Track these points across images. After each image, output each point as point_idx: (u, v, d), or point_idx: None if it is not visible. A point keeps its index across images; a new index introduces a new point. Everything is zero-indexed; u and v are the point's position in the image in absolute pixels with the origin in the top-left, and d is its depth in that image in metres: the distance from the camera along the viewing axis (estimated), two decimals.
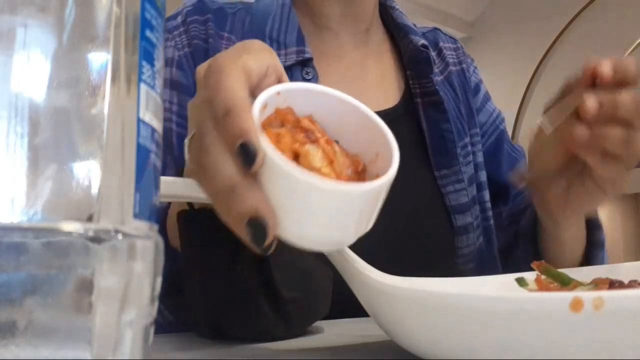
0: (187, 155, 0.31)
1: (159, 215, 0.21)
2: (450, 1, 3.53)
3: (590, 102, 0.46)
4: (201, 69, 0.31)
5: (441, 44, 0.78)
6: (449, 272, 0.64)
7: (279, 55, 0.64)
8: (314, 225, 0.28)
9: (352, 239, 0.31)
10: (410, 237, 0.63)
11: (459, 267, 0.65)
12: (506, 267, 0.71)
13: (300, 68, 0.64)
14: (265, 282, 0.38)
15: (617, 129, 0.47)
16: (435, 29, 0.81)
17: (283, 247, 0.40)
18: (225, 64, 0.28)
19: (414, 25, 0.76)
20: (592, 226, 0.61)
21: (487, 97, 0.79)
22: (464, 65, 0.77)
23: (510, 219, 0.73)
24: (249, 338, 0.40)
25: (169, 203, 0.46)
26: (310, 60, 0.64)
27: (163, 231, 0.46)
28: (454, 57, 0.78)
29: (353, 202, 0.29)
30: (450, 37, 0.81)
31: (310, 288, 0.42)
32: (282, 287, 0.39)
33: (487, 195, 0.71)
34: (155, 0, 0.21)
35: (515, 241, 0.69)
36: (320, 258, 0.36)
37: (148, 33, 0.20)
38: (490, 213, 0.71)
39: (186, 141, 0.31)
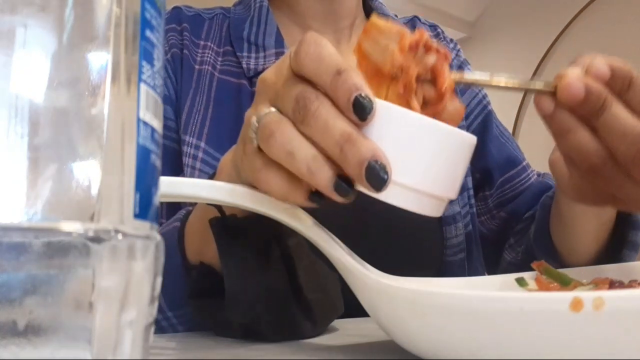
0: (253, 134, 0.33)
1: (159, 215, 0.21)
2: (450, 1, 3.53)
3: (572, 77, 0.34)
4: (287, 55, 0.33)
5: None
6: (438, 264, 0.64)
7: (257, 58, 0.65)
8: (423, 169, 0.30)
9: (455, 194, 0.33)
10: (398, 229, 0.62)
11: (448, 259, 0.64)
12: (498, 258, 0.71)
13: None
14: (293, 285, 0.40)
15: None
16: (414, 17, 0.81)
17: (303, 252, 0.40)
18: (319, 37, 0.31)
19: (395, 15, 0.77)
20: (629, 224, 0.53)
21: None
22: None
23: (499, 207, 0.72)
24: (279, 338, 0.40)
25: (184, 222, 0.47)
26: None
27: (180, 247, 0.46)
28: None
29: (461, 147, 0.32)
30: (430, 24, 0.81)
31: (328, 289, 0.43)
32: (307, 290, 0.40)
33: (470, 182, 0.70)
34: (155, 0, 0.21)
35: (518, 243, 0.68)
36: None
37: (148, 33, 0.20)
38: (473, 200, 0.70)
39: (254, 121, 0.33)
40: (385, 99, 0.33)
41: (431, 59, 0.33)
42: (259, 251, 0.39)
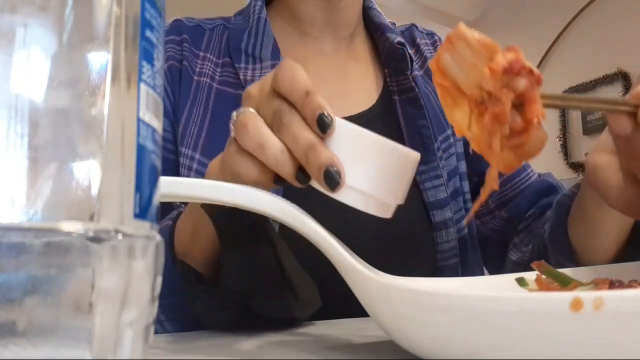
0: (231, 126, 0.38)
1: (159, 215, 0.21)
2: (450, 1, 3.53)
3: None
4: (267, 77, 0.39)
5: (418, 40, 0.78)
6: (429, 268, 0.64)
7: (254, 69, 0.66)
8: (370, 177, 0.36)
9: (399, 200, 0.38)
10: (389, 234, 0.63)
11: (440, 264, 0.65)
12: (502, 257, 0.71)
13: None
14: (281, 269, 0.45)
15: None
16: (412, 25, 0.81)
17: (280, 240, 0.45)
18: (294, 64, 0.37)
19: (393, 24, 0.77)
20: None
21: None
22: None
23: (500, 207, 0.72)
24: (269, 316, 0.45)
25: (175, 220, 0.51)
26: None
27: (170, 242, 0.49)
28: (431, 50, 0.78)
29: (404, 162, 0.37)
30: (428, 32, 0.82)
31: (308, 280, 0.47)
32: (291, 275, 0.45)
33: (466, 186, 0.71)
34: (155, 0, 0.21)
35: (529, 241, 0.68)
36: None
37: (148, 33, 0.20)
38: (470, 205, 0.71)
39: (233, 115, 0.39)
40: (469, 128, 0.31)
41: (522, 83, 0.29)
42: (249, 232, 0.44)
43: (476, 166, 0.73)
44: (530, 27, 3.43)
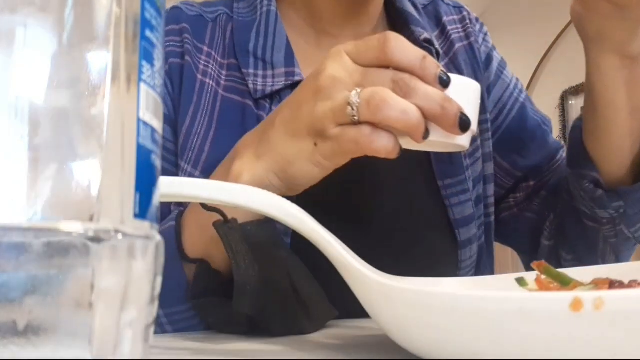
0: (354, 110, 0.40)
1: (159, 215, 0.21)
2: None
3: None
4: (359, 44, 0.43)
5: (444, 17, 0.71)
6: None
7: (265, 77, 0.58)
8: (473, 115, 0.42)
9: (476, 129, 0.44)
10: (411, 252, 0.60)
11: (458, 274, 0.63)
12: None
13: (290, 92, 0.57)
14: (291, 285, 0.44)
15: None
16: None
17: (296, 260, 0.45)
18: (397, 35, 0.42)
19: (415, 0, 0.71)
20: None
21: (502, 66, 0.73)
22: (472, 39, 0.71)
23: (539, 189, 0.71)
24: (281, 332, 0.43)
25: (178, 221, 0.49)
26: (300, 82, 0.60)
27: (178, 245, 0.48)
28: (460, 30, 0.71)
29: (479, 94, 0.44)
30: (455, 4, 0.75)
31: (319, 296, 0.46)
32: (305, 296, 0.44)
33: (491, 189, 0.68)
34: (155, 0, 0.21)
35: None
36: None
37: (148, 33, 0.20)
38: (492, 209, 0.68)
39: (354, 99, 0.40)
40: None
41: None
42: (263, 253, 0.42)
43: (522, 162, 0.70)
44: (531, 27, 3.42)
